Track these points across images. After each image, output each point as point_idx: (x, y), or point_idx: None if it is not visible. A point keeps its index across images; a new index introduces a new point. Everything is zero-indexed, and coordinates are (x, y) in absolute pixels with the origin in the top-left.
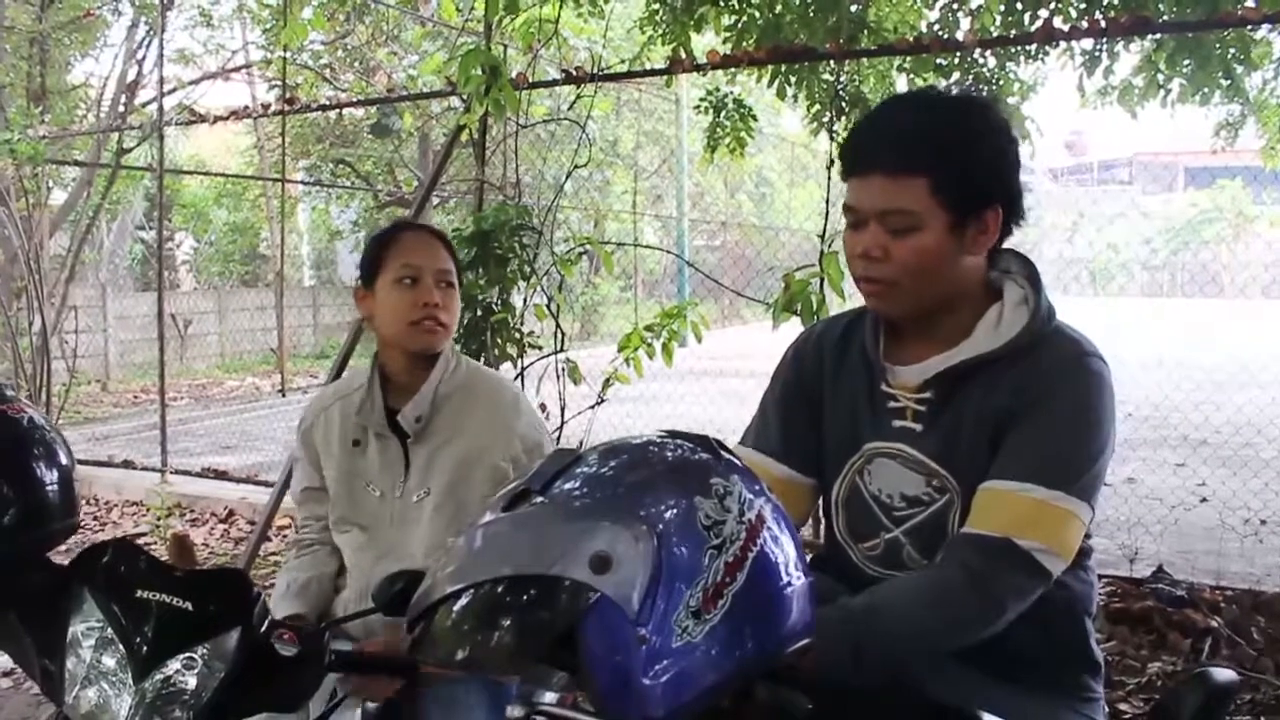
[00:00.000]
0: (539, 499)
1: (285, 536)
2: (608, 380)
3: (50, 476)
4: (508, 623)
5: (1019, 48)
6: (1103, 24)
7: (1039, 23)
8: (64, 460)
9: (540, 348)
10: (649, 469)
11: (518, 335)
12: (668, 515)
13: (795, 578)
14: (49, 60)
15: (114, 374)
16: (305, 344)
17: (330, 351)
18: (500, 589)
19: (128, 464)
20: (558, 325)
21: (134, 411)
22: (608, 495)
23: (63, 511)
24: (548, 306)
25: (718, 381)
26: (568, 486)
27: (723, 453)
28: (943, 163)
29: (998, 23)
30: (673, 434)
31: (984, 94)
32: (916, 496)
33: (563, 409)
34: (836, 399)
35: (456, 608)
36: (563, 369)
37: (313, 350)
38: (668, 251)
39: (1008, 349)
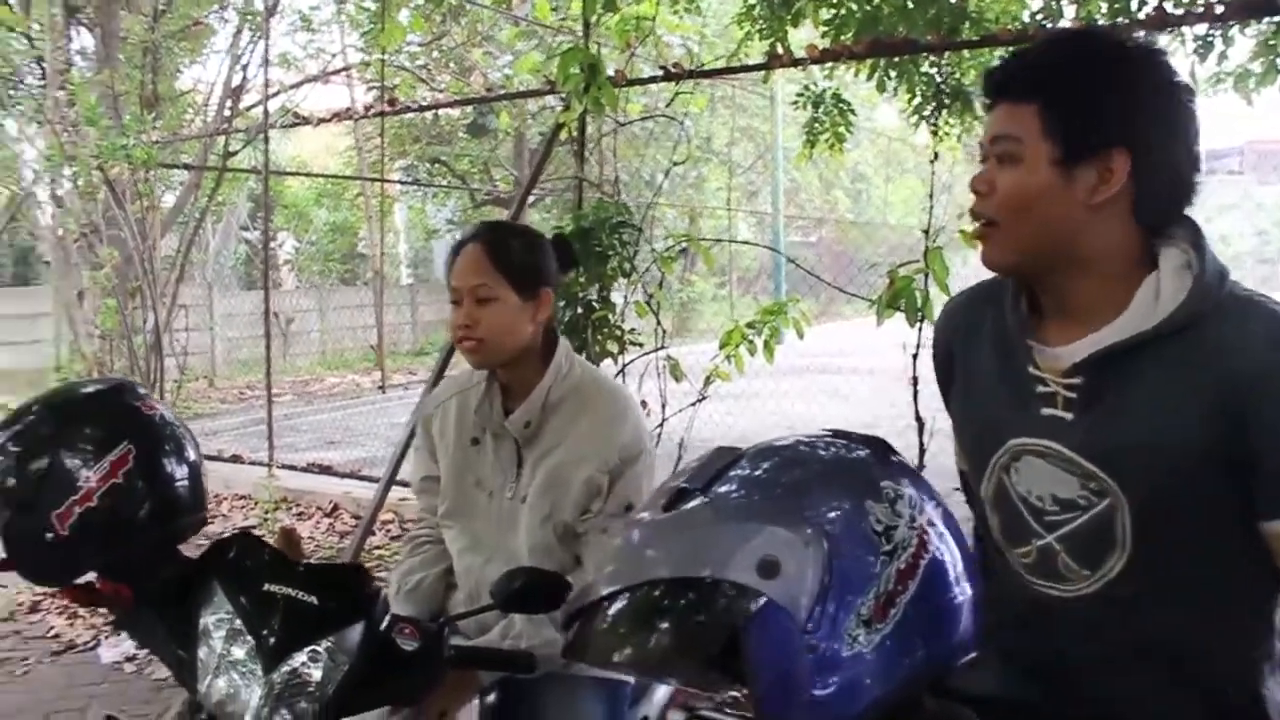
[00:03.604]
0: (700, 499)
1: (389, 531)
2: (709, 377)
3: (180, 472)
4: (667, 626)
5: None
6: (1219, 8)
7: (1148, 8)
8: (192, 456)
9: (641, 345)
10: (818, 471)
11: (618, 332)
12: (839, 519)
13: (965, 587)
14: (160, 68)
15: (220, 370)
16: (404, 341)
17: (429, 349)
18: (659, 591)
19: (236, 458)
20: (658, 322)
21: (240, 407)
22: (775, 496)
23: (192, 505)
24: (648, 303)
25: (818, 379)
26: (731, 486)
27: (892, 455)
28: (1055, 90)
29: (1104, 10)
30: (838, 434)
31: (1148, 40)
32: (1071, 500)
33: (663, 406)
34: (972, 382)
35: (613, 610)
36: (663, 366)
37: (411, 348)
38: (767, 248)
39: (1170, 325)
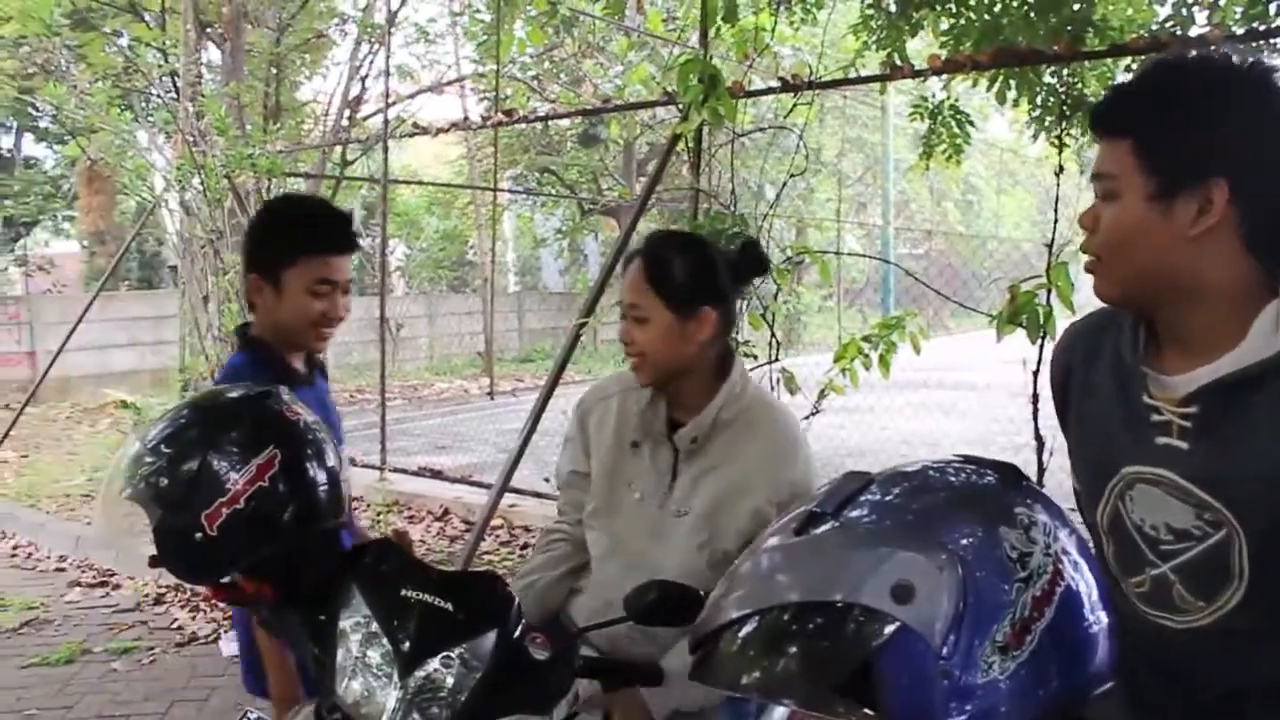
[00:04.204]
0: (831, 523)
1: (498, 537)
2: (823, 391)
3: (322, 476)
4: (797, 650)
5: (1261, 41)
6: None
7: None
8: (332, 461)
9: (755, 356)
10: (950, 496)
11: (734, 344)
12: (972, 545)
13: (1100, 616)
14: (283, 80)
15: (331, 374)
16: (510, 349)
17: (536, 356)
18: (789, 615)
19: (349, 460)
20: (773, 334)
21: (351, 410)
22: (908, 521)
23: (333, 510)
24: (763, 315)
25: (934, 394)
26: (862, 511)
27: (1024, 481)
28: (1146, 125)
29: (1238, 15)
30: (968, 459)
31: (1256, 58)
32: (1186, 530)
33: None
34: (1088, 409)
35: (742, 633)
36: (778, 379)
37: (517, 355)
38: (882, 259)
39: None
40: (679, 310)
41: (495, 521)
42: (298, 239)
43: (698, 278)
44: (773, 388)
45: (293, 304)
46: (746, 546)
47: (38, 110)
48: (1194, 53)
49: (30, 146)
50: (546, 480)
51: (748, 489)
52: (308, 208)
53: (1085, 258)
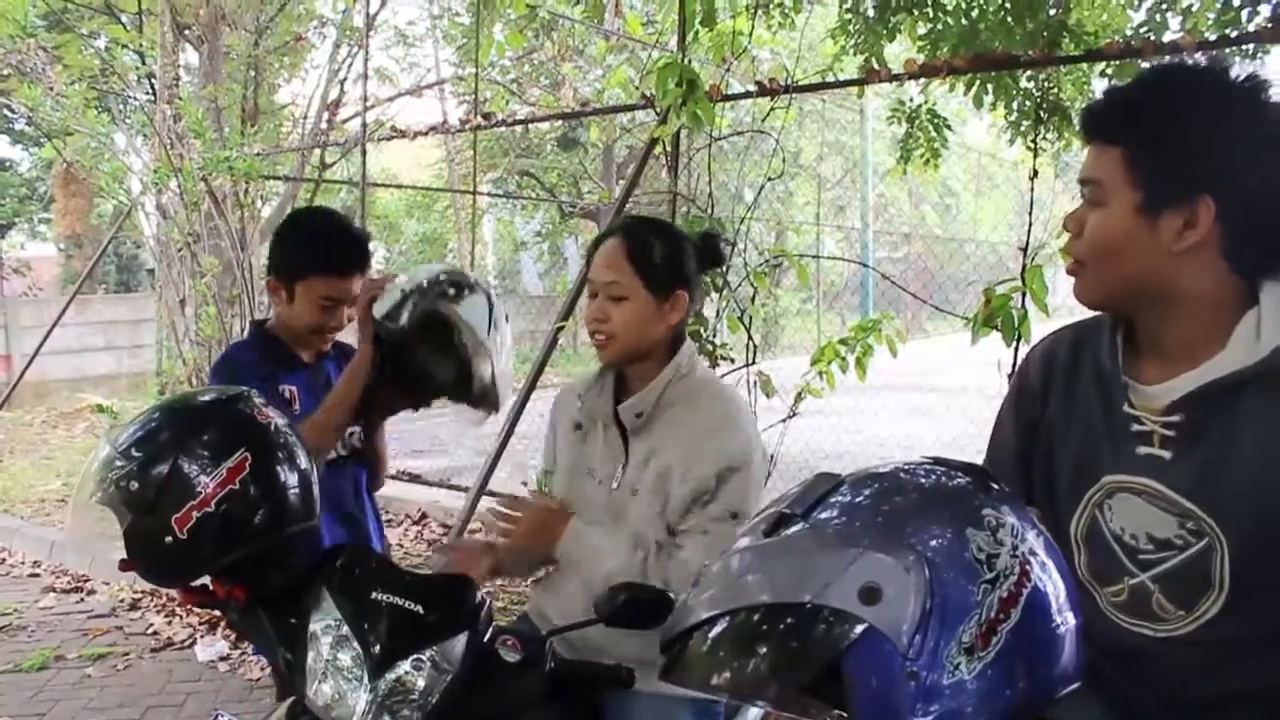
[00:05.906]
0: (801, 524)
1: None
2: (800, 394)
3: (293, 479)
4: (766, 650)
5: (1234, 47)
6: None
7: (1260, 19)
8: (304, 464)
9: (732, 359)
10: (919, 498)
11: (710, 347)
12: (940, 546)
13: (1067, 617)
14: (261, 83)
15: None
16: None
17: (515, 359)
18: (759, 616)
19: None
20: (750, 337)
21: None
22: (876, 523)
23: (303, 513)
24: (740, 319)
25: (911, 397)
26: (832, 512)
27: (993, 483)
28: (1138, 137)
29: (1211, 21)
30: (938, 461)
31: (1244, 71)
32: (1167, 539)
33: None
34: (1068, 419)
35: (713, 634)
36: (754, 381)
37: None
38: (860, 263)
39: (1273, 363)
40: (655, 290)
41: (473, 525)
42: (310, 259)
43: (673, 260)
44: (749, 391)
45: (300, 313)
46: (688, 517)
47: (13, 112)
48: (1190, 62)
49: (5, 149)
50: (524, 484)
51: (684, 466)
52: (326, 229)
53: (1061, 261)
